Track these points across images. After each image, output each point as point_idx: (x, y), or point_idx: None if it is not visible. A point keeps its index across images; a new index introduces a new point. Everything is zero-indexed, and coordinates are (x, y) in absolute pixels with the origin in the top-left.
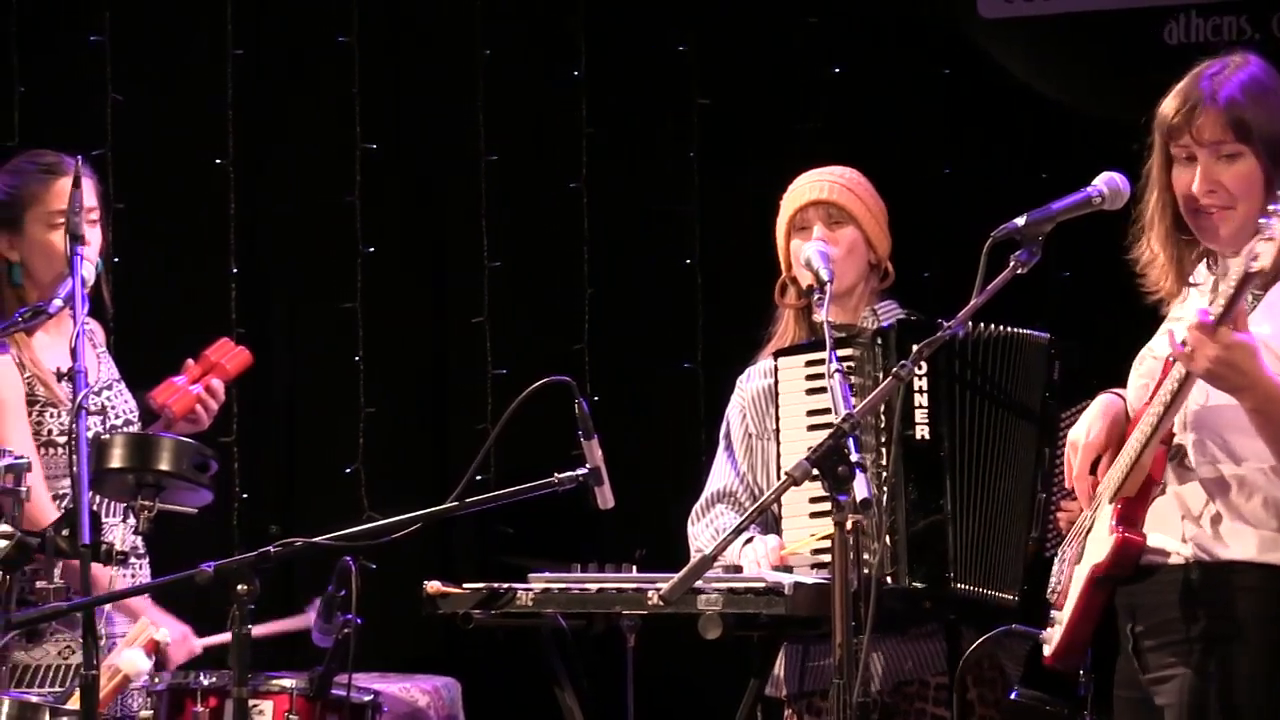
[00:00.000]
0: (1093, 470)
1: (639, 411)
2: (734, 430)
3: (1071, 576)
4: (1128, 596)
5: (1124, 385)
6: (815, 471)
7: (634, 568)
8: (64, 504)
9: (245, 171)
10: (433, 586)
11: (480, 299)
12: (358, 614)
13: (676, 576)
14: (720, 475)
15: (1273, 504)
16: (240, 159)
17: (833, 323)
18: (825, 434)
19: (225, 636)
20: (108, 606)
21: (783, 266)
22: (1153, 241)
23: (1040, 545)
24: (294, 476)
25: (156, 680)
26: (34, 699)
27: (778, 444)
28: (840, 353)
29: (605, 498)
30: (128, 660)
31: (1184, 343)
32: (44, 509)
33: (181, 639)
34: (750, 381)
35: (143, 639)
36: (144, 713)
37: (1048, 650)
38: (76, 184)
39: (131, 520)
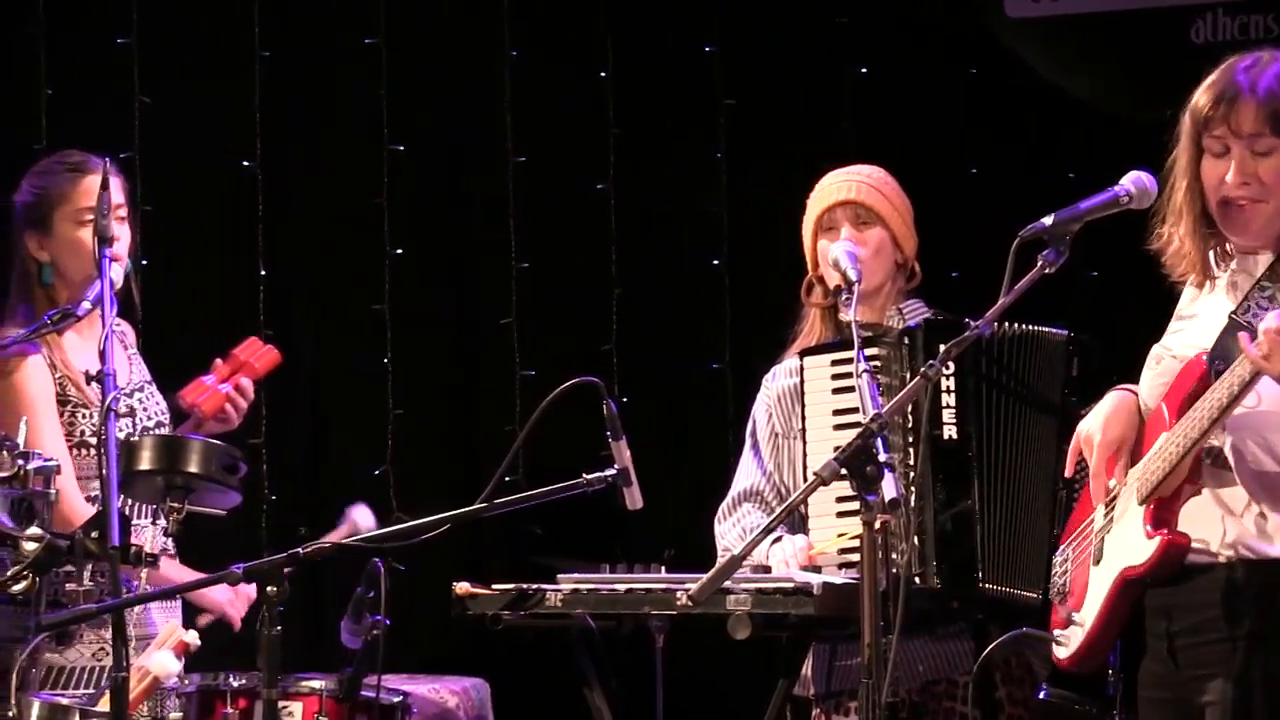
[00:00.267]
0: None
1: (667, 412)
2: (760, 429)
3: (1086, 578)
4: (1162, 597)
5: None
6: (843, 471)
7: (662, 568)
8: (96, 505)
9: (272, 173)
10: (462, 588)
11: (508, 300)
12: (387, 615)
13: (705, 577)
14: (746, 474)
15: None
16: (267, 161)
17: (860, 322)
18: (851, 433)
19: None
20: (140, 608)
21: (809, 265)
22: (1181, 233)
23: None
24: (322, 478)
25: (186, 682)
26: (64, 701)
27: (804, 443)
28: (867, 352)
29: (634, 498)
30: (158, 662)
31: (1259, 345)
32: (77, 509)
33: (234, 596)
34: (776, 380)
35: (172, 640)
36: (174, 714)
37: (1064, 653)
38: (105, 186)
39: (161, 522)
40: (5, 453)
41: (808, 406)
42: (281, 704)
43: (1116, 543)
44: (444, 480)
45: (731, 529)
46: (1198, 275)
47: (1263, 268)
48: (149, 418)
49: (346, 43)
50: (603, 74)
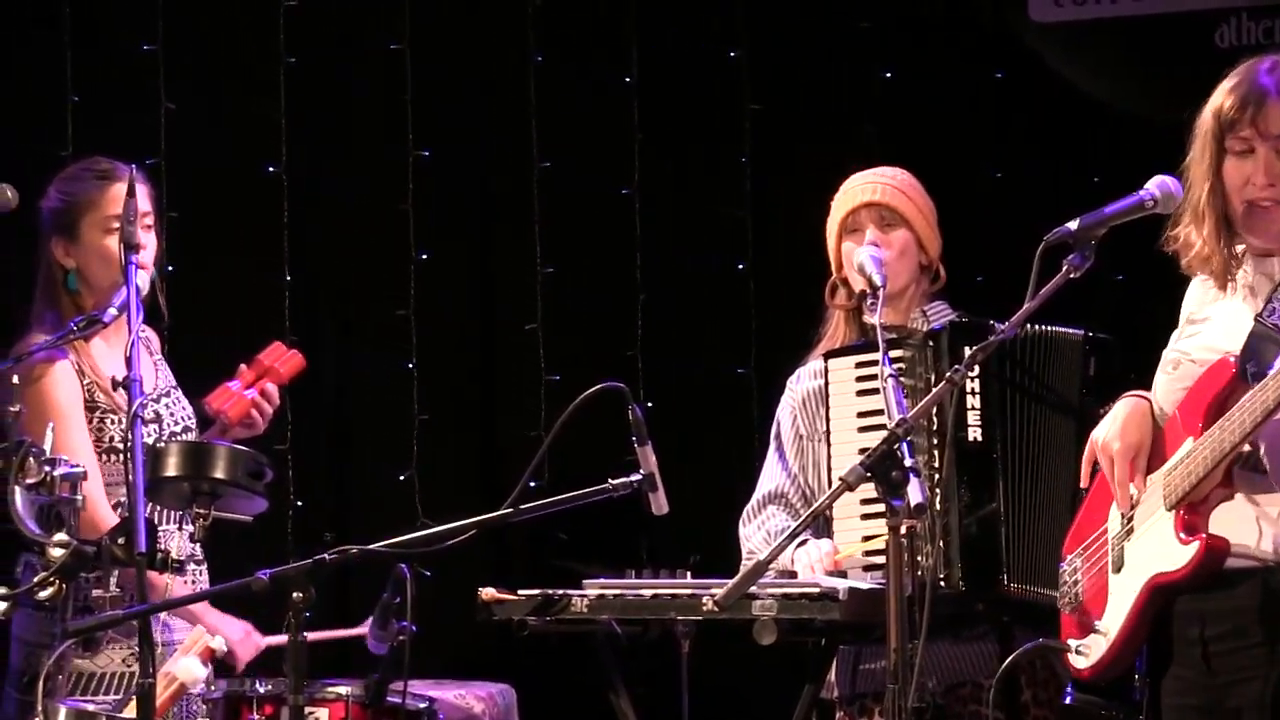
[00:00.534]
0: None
1: (692, 417)
2: (784, 431)
3: (1103, 587)
4: (1195, 602)
5: None
6: (869, 476)
7: (688, 573)
8: (122, 511)
9: (298, 179)
10: (488, 593)
11: (533, 305)
12: (413, 621)
13: (731, 582)
14: (771, 476)
15: None
16: (293, 166)
17: (885, 325)
18: (875, 435)
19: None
20: (164, 614)
21: (833, 268)
22: (1204, 235)
23: None
24: (348, 484)
25: (212, 688)
26: (90, 708)
27: (828, 445)
28: (891, 355)
29: (659, 503)
30: (184, 668)
31: None
32: (103, 516)
33: (245, 636)
34: (800, 383)
35: (199, 647)
36: None
37: (1084, 664)
38: (131, 193)
39: (188, 527)
40: (32, 459)
41: (832, 409)
42: (308, 710)
43: (1140, 550)
44: (469, 486)
45: (756, 531)
46: (1218, 279)
47: None
48: (175, 423)
49: (371, 48)
50: (627, 79)
